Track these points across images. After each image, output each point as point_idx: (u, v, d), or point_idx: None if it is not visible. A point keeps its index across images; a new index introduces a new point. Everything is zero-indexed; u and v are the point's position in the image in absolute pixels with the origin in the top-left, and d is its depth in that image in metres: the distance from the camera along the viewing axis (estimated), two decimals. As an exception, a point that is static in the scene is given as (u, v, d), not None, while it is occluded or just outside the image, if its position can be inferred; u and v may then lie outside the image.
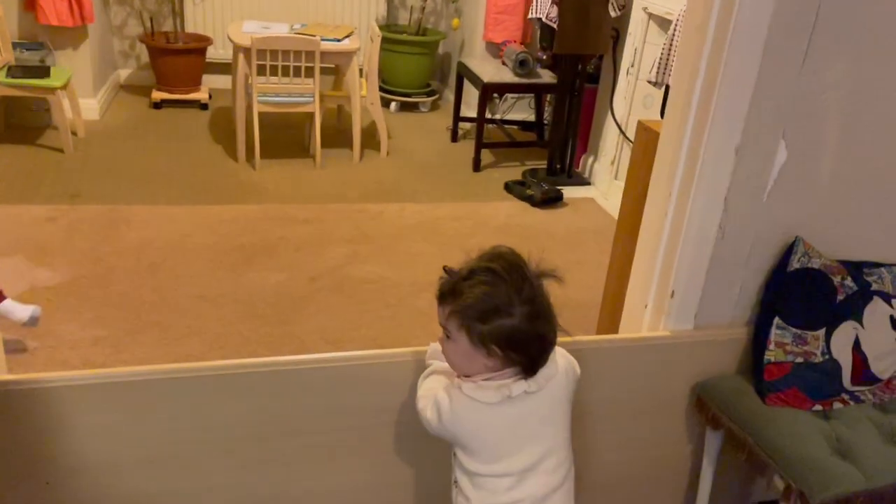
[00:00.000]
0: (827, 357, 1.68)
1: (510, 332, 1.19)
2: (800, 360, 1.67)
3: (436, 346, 1.39)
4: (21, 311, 2.33)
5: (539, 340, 1.23)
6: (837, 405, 1.67)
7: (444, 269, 1.24)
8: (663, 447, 1.84)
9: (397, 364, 1.52)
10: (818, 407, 1.65)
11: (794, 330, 1.67)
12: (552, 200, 3.83)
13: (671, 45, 2.99)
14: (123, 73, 4.97)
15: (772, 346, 1.67)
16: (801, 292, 1.68)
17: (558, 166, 4.15)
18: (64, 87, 3.79)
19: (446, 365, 1.32)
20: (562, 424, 1.31)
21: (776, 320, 1.68)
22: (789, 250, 1.70)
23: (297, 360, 1.50)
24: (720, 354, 1.78)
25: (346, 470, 1.61)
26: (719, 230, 1.67)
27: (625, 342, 1.70)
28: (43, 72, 3.78)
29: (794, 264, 1.68)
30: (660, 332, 1.72)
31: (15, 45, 3.93)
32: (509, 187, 3.95)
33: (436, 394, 1.29)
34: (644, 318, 1.79)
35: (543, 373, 1.25)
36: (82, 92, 4.13)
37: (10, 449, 1.43)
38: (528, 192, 3.84)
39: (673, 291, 1.71)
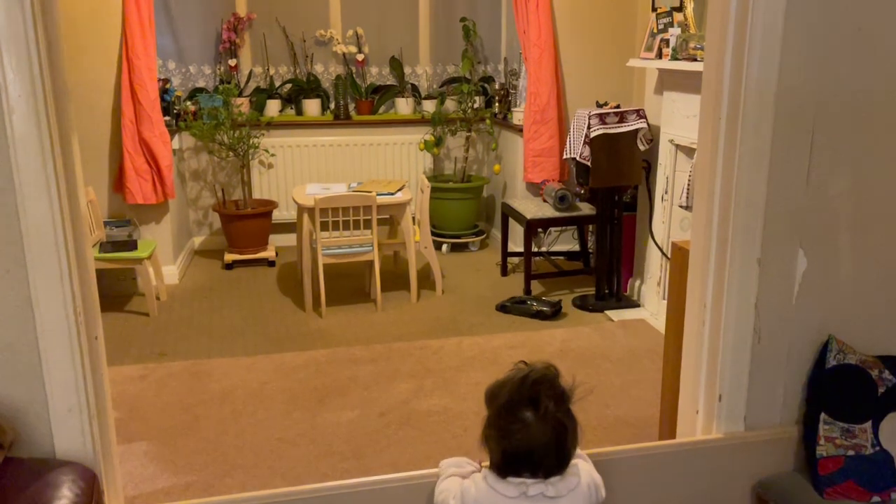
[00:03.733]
0: (878, 448, 1.76)
1: (486, 419, 1.44)
2: (851, 452, 1.75)
3: (447, 461, 1.61)
4: None
5: (504, 438, 1.39)
6: (896, 495, 1.73)
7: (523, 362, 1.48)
8: (732, 550, 1.89)
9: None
10: (876, 498, 1.72)
11: (841, 424, 1.77)
12: (558, 312, 4.11)
13: (698, 171, 3.24)
14: (198, 240, 5.45)
15: (822, 442, 1.76)
16: (842, 388, 1.79)
17: (606, 291, 4.33)
18: (149, 258, 4.20)
19: (459, 470, 1.53)
20: None
21: (822, 416, 1.78)
22: (824, 348, 1.82)
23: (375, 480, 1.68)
24: (775, 453, 1.86)
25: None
26: (755, 334, 1.82)
27: (678, 446, 1.81)
28: (131, 245, 4.21)
29: (831, 361, 1.81)
30: (712, 436, 1.83)
31: (106, 223, 4.41)
32: (506, 308, 4.17)
33: (460, 484, 1.47)
34: (697, 424, 1.90)
35: (564, 483, 1.40)
36: (163, 259, 4.56)
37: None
38: (535, 307, 4.12)
39: (720, 395, 1.84)
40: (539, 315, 4.08)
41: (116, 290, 4.48)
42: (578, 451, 1.49)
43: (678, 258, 2.25)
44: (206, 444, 2.86)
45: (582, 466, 1.47)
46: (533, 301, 4.19)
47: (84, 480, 1.41)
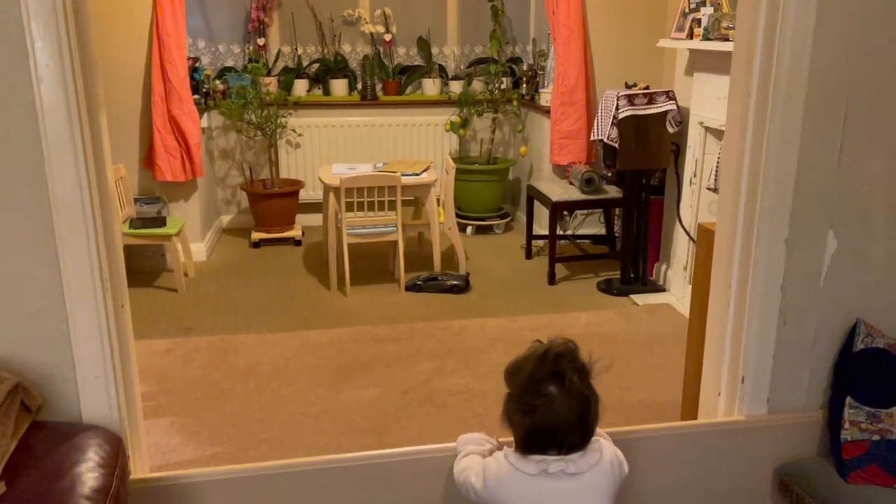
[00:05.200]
0: (904, 433, 1.73)
1: (508, 396, 1.44)
2: (876, 437, 1.72)
3: (465, 437, 1.62)
4: None
5: (528, 414, 1.38)
6: (922, 481, 1.70)
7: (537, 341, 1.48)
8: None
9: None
10: (902, 483, 1.69)
11: (866, 408, 1.74)
12: (468, 283, 4.24)
13: (727, 153, 3.18)
14: (226, 218, 5.50)
15: (846, 426, 1.74)
16: (869, 372, 1.76)
17: (632, 275, 4.29)
18: (178, 235, 4.25)
19: (478, 448, 1.53)
20: None
21: (848, 400, 1.75)
22: (852, 332, 1.79)
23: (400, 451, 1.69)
24: (799, 437, 1.84)
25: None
26: (780, 316, 1.79)
27: (699, 427, 1.80)
28: (160, 222, 4.26)
29: (859, 345, 1.78)
30: (734, 417, 1.81)
31: (136, 200, 4.47)
32: (419, 287, 4.20)
33: (481, 461, 1.47)
34: (719, 406, 1.88)
35: (586, 459, 1.40)
36: (191, 236, 4.61)
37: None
38: (449, 282, 4.21)
39: (743, 377, 1.82)
40: (454, 289, 4.15)
41: (145, 266, 4.54)
42: (598, 429, 1.49)
43: (704, 240, 2.22)
44: (230, 418, 2.90)
45: (604, 443, 1.46)
46: (443, 276, 4.24)
47: (109, 444, 1.44)
